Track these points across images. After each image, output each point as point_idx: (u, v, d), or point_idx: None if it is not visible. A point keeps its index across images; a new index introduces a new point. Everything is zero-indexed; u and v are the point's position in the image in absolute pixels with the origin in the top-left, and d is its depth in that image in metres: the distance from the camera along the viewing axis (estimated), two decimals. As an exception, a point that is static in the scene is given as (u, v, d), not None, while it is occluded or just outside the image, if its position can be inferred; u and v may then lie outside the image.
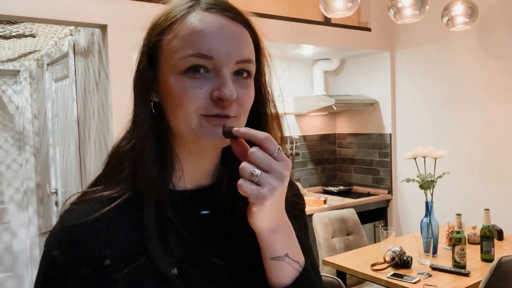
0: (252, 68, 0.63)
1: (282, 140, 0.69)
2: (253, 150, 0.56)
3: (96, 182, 0.65)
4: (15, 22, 2.48)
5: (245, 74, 0.62)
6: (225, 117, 0.59)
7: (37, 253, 4.13)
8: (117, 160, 0.64)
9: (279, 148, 0.57)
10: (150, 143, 0.61)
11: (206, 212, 0.65)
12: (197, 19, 0.60)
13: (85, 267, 0.58)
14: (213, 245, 0.64)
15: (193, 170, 0.65)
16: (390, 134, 3.86)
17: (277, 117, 0.68)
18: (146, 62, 0.62)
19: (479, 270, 2.20)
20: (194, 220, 0.64)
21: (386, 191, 3.89)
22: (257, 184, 0.55)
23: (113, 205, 0.60)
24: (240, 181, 0.56)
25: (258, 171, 0.55)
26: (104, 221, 0.60)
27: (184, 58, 0.58)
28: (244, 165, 0.56)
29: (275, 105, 0.68)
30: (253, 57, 0.63)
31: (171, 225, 0.61)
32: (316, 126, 4.20)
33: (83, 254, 0.58)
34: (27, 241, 4.10)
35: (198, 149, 0.64)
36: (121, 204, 0.61)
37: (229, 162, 0.66)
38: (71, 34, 2.92)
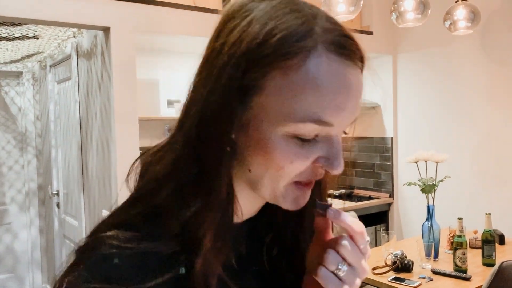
0: None
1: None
2: (345, 243, 0.51)
3: (126, 221, 0.50)
4: (18, 24, 2.49)
5: (345, 132, 0.53)
6: (310, 182, 0.52)
7: (38, 255, 4.14)
8: (163, 204, 0.50)
9: (368, 240, 0.52)
10: (220, 205, 0.49)
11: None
12: (325, 70, 0.45)
13: None
14: (254, 277, 0.58)
15: (247, 205, 0.55)
16: (392, 138, 3.86)
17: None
18: (237, 98, 0.46)
19: (480, 275, 2.20)
20: (238, 254, 0.56)
21: (388, 195, 3.89)
22: (340, 279, 0.50)
23: (167, 276, 0.47)
24: (322, 272, 0.50)
25: (345, 267, 0.50)
26: None
27: (299, 122, 0.46)
28: (331, 255, 0.50)
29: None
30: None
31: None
32: (318, 129, 4.20)
33: None
34: (28, 243, 4.10)
35: None
36: (172, 277, 0.48)
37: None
38: (74, 36, 2.94)
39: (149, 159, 0.54)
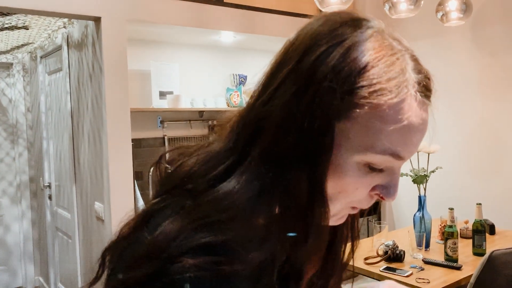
0: None
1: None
2: None
3: (183, 228, 0.45)
4: (7, 14, 2.46)
5: None
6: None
7: (30, 247, 4.13)
8: (253, 227, 0.48)
9: None
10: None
11: None
12: (412, 109, 0.48)
13: None
14: None
15: None
16: (384, 129, 3.87)
17: None
18: (332, 129, 0.46)
19: (470, 264, 2.23)
20: None
21: (380, 186, 3.91)
22: None
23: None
24: None
25: None
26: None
27: (379, 153, 0.47)
28: None
29: None
30: None
31: None
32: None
33: None
34: (20, 235, 4.09)
35: None
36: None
37: None
38: (64, 27, 2.90)
39: (195, 161, 0.51)
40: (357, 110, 0.46)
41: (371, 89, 0.46)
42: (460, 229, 2.60)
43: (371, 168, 0.49)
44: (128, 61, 2.55)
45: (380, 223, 2.55)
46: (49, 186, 3.59)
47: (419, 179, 2.44)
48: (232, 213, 0.46)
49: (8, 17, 2.52)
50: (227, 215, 0.46)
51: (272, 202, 0.48)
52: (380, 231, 2.52)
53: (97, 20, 2.49)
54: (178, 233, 0.44)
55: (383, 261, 2.26)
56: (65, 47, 3.00)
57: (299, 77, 0.48)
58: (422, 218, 2.48)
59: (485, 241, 2.35)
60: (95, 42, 2.55)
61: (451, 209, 2.31)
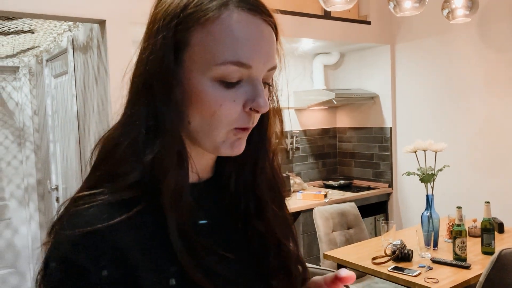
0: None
1: (282, 134, 0.69)
2: None
3: (92, 184, 0.57)
4: (13, 18, 2.47)
5: (268, 82, 0.61)
6: (246, 128, 0.60)
7: (39, 249, 4.14)
8: (120, 159, 0.57)
9: None
10: (176, 146, 0.56)
11: (204, 222, 0.63)
12: (236, 20, 0.55)
13: (114, 273, 0.52)
14: (227, 240, 0.64)
15: (198, 161, 0.62)
16: (391, 128, 3.85)
17: (278, 110, 0.68)
18: (172, 55, 0.55)
19: (479, 263, 2.21)
20: (206, 214, 0.63)
21: (387, 185, 3.89)
22: None
23: (131, 213, 0.54)
24: None
25: None
26: (126, 228, 0.54)
27: (221, 64, 0.55)
28: None
29: (277, 99, 0.68)
30: (276, 59, 0.61)
31: (191, 231, 0.57)
32: (317, 120, 4.20)
33: (110, 259, 0.52)
34: (28, 237, 4.11)
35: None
36: (139, 211, 0.55)
37: (231, 157, 0.65)
38: (69, 30, 2.91)
39: (103, 137, 0.61)
40: (192, 35, 0.55)
41: (195, 14, 0.55)
42: (469, 228, 2.58)
43: (226, 83, 0.56)
44: (133, 63, 2.55)
45: (387, 223, 2.54)
46: (57, 189, 3.60)
47: (427, 178, 2.42)
48: (109, 153, 0.58)
49: (14, 22, 2.54)
50: (104, 156, 0.59)
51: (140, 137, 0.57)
52: (387, 231, 2.50)
53: (101, 23, 2.50)
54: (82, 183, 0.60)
55: (391, 261, 2.24)
56: (70, 50, 3.01)
57: (147, 29, 0.59)
58: (430, 217, 2.46)
59: (494, 239, 2.33)
60: (100, 45, 2.56)
61: (459, 207, 2.30)
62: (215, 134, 0.58)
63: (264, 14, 0.58)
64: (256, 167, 0.67)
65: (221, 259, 0.60)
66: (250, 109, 0.57)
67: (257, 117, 0.60)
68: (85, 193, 0.56)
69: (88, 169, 0.61)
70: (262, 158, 0.67)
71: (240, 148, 0.60)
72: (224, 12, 0.55)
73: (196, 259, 0.56)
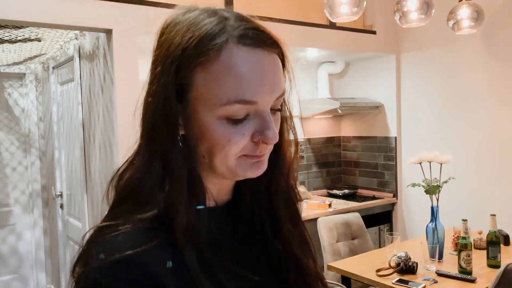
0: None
1: (297, 144, 0.70)
2: None
3: (112, 217, 0.59)
4: (20, 27, 2.49)
5: (278, 108, 0.61)
6: (254, 156, 0.60)
7: (42, 256, 4.15)
8: (135, 199, 0.59)
9: None
10: (183, 180, 0.58)
11: (224, 245, 0.63)
12: (236, 57, 0.55)
13: None
14: (248, 262, 0.65)
15: (215, 189, 0.64)
16: (396, 137, 3.84)
17: (290, 114, 0.68)
18: (174, 98, 0.56)
19: (485, 277, 2.19)
20: (225, 238, 0.64)
21: (391, 195, 3.88)
22: None
23: (155, 241, 0.56)
24: None
25: None
26: (153, 255, 0.55)
27: (225, 104, 0.55)
28: None
29: (288, 108, 0.68)
30: (285, 85, 0.61)
31: (212, 260, 0.59)
32: (321, 129, 4.19)
33: (143, 286, 0.54)
34: (32, 244, 4.11)
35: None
36: (161, 242, 0.57)
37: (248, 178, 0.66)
38: (76, 38, 2.93)
39: (121, 171, 0.62)
40: (194, 76, 0.56)
41: (195, 56, 0.55)
42: (474, 240, 2.56)
43: (233, 120, 0.56)
44: (139, 73, 2.56)
45: (392, 234, 2.52)
46: (61, 195, 3.61)
47: (432, 189, 2.41)
48: (129, 192, 0.60)
49: (21, 30, 2.56)
50: (124, 195, 0.60)
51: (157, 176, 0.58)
52: (392, 242, 2.48)
53: (108, 32, 2.51)
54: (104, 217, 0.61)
55: (396, 273, 2.23)
56: (76, 58, 3.03)
57: (151, 71, 0.60)
58: (435, 229, 2.44)
59: (499, 252, 2.31)
60: (106, 54, 2.57)
61: (465, 220, 2.28)
62: (228, 163, 0.59)
63: (266, 44, 0.57)
64: (271, 185, 0.67)
65: (245, 282, 0.61)
66: (259, 140, 0.58)
67: (265, 147, 0.60)
68: (109, 223, 0.57)
69: (106, 201, 0.63)
70: (277, 175, 0.67)
71: (259, 169, 0.61)
72: (224, 51, 0.55)
73: (219, 286, 0.57)
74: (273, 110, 0.60)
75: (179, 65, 0.56)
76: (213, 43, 0.55)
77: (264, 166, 0.61)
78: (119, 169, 0.63)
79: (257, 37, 0.56)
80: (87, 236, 0.58)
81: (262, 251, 0.67)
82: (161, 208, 0.57)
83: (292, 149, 0.69)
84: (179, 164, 0.58)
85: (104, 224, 0.58)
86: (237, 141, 0.57)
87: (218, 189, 0.65)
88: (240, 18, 0.58)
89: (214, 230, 0.61)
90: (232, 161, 0.59)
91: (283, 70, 0.62)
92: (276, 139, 0.58)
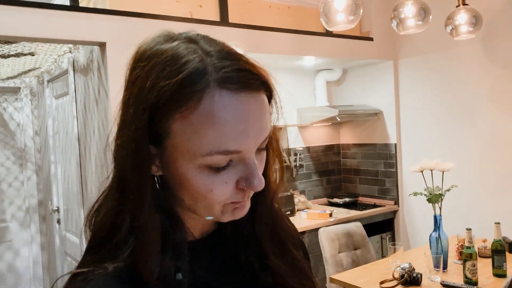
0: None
1: (281, 163, 0.65)
2: None
3: (85, 263, 0.57)
4: (13, 42, 2.45)
5: (263, 147, 0.57)
6: (242, 201, 0.57)
7: (40, 272, 4.09)
8: (104, 249, 0.56)
9: None
10: (151, 236, 0.54)
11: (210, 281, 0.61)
12: (219, 105, 0.49)
13: None
14: None
15: (194, 223, 0.61)
16: (395, 144, 3.80)
17: (276, 140, 0.64)
18: (147, 147, 0.52)
19: (491, 286, 2.14)
20: (209, 273, 0.61)
21: (393, 202, 3.83)
22: None
23: None
24: None
25: None
26: None
27: (206, 155, 0.50)
28: None
29: (275, 135, 0.63)
30: (271, 122, 0.57)
31: None
32: (320, 137, 4.15)
33: None
34: (29, 260, 4.05)
35: None
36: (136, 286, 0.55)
37: None
38: (70, 52, 2.90)
39: (96, 207, 0.59)
40: (171, 125, 0.50)
41: (172, 104, 0.49)
42: (478, 248, 2.52)
43: (214, 168, 0.52)
44: (133, 85, 2.52)
45: (394, 244, 2.47)
46: (58, 210, 3.56)
47: (434, 198, 2.36)
48: (100, 242, 0.57)
49: (14, 45, 2.53)
50: (96, 241, 0.58)
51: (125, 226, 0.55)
52: (395, 252, 2.43)
53: (102, 45, 2.48)
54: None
55: (400, 285, 2.17)
56: (71, 72, 3.00)
57: (122, 108, 0.55)
58: (438, 238, 2.39)
59: (505, 261, 2.26)
60: (101, 67, 2.54)
61: (469, 229, 2.23)
62: (211, 210, 0.55)
63: (252, 88, 0.51)
64: (254, 216, 0.63)
65: None
66: (244, 187, 0.54)
67: (252, 192, 0.56)
68: (81, 270, 0.55)
69: (84, 236, 0.61)
70: (261, 206, 0.63)
71: (242, 212, 0.57)
72: (205, 98, 0.49)
73: None
74: (258, 150, 0.55)
75: (154, 113, 0.50)
76: (193, 89, 0.49)
77: (247, 208, 0.58)
78: (94, 204, 0.60)
79: (242, 80, 0.50)
80: (63, 283, 0.57)
81: (251, 284, 0.63)
82: (129, 261, 0.54)
83: (277, 176, 0.65)
84: (147, 219, 0.53)
85: (76, 271, 0.55)
86: (220, 191, 0.53)
87: (198, 223, 0.61)
88: (224, 55, 0.51)
89: (196, 266, 0.58)
90: (216, 209, 0.55)
91: (270, 103, 0.57)
92: (262, 186, 0.54)
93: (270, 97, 0.56)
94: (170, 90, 0.49)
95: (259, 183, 0.53)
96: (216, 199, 0.54)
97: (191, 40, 0.53)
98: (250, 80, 0.51)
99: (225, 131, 0.49)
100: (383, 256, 3.62)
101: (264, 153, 0.58)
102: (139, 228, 0.54)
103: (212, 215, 0.56)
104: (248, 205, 0.58)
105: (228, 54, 0.52)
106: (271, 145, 0.61)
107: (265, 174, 0.62)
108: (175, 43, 0.52)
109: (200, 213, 0.57)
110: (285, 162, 0.71)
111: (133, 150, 0.51)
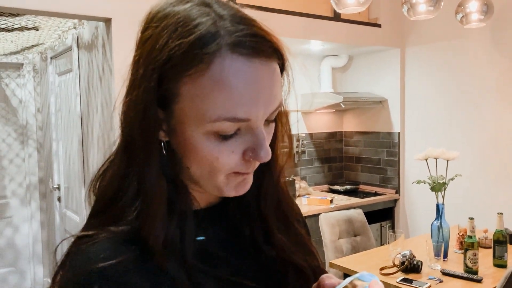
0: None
1: (290, 138, 0.64)
2: None
3: (89, 227, 0.56)
4: (17, 15, 2.42)
5: (272, 119, 0.55)
6: (246, 173, 0.56)
7: (40, 249, 4.10)
8: (110, 214, 0.55)
9: None
10: (158, 198, 0.53)
11: (201, 238, 0.59)
12: (229, 70, 0.48)
13: None
14: (241, 269, 0.61)
15: (199, 194, 0.60)
16: (399, 133, 3.78)
17: (286, 114, 0.63)
18: (155, 108, 0.51)
19: (491, 276, 2.14)
20: (213, 244, 0.60)
21: (394, 191, 3.82)
22: None
23: (132, 254, 0.53)
24: None
25: None
26: (129, 267, 0.52)
27: (214, 121, 0.49)
28: None
29: (285, 109, 0.62)
30: (281, 95, 0.56)
31: (200, 270, 0.55)
32: (323, 123, 4.13)
33: None
34: (29, 237, 4.06)
35: None
36: (139, 254, 0.54)
37: None
38: (74, 28, 2.86)
39: (102, 172, 0.58)
40: (181, 88, 0.49)
41: (183, 66, 0.48)
42: (479, 238, 2.51)
43: (221, 136, 0.51)
44: (138, 63, 2.49)
45: (395, 232, 2.47)
46: (58, 188, 3.55)
47: (438, 187, 2.35)
48: (104, 206, 0.56)
49: (18, 18, 2.49)
50: (101, 205, 0.57)
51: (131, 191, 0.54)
52: (395, 240, 2.43)
53: (107, 21, 2.44)
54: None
55: (400, 272, 2.17)
56: (75, 48, 2.96)
57: (132, 69, 0.53)
58: (440, 227, 2.39)
59: (506, 252, 2.26)
60: (105, 44, 2.50)
61: (471, 218, 2.23)
62: (215, 180, 0.54)
63: (265, 54, 0.50)
64: (260, 191, 0.63)
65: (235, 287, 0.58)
66: (250, 158, 0.53)
67: (256, 164, 0.56)
68: (86, 233, 0.55)
69: (87, 204, 0.61)
70: (267, 181, 0.63)
71: (245, 188, 0.57)
72: (216, 61, 0.48)
73: None
74: (267, 121, 0.54)
75: (163, 75, 0.49)
76: (204, 51, 0.47)
77: (249, 184, 0.57)
78: (100, 169, 0.59)
79: (255, 46, 0.49)
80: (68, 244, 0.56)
81: (255, 257, 0.63)
82: (135, 224, 0.53)
83: (285, 154, 0.64)
84: (153, 183, 0.53)
85: (81, 234, 0.55)
86: (226, 159, 0.52)
87: (203, 194, 0.60)
88: (238, 19, 0.50)
89: (200, 235, 0.58)
90: (220, 179, 0.54)
91: (282, 74, 0.55)
92: (269, 157, 0.52)
93: (282, 68, 0.55)
94: (181, 51, 0.48)
95: (266, 155, 0.52)
96: (221, 168, 0.53)
97: (204, 3, 0.51)
98: (263, 46, 0.50)
99: (234, 97, 0.48)
100: (381, 244, 3.62)
101: (273, 126, 0.57)
102: (146, 190, 0.53)
103: (216, 185, 0.55)
104: (250, 180, 0.57)
105: (241, 19, 0.50)
106: (280, 120, 0.60)
107: (273, 148, 0.61)
108: (188, 5, 0.51)
109: (204, 183, 0.56)
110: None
111: (141, 111, 0.50)
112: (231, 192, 0.56)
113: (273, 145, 0.59)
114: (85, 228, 0.56)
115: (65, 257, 0.54)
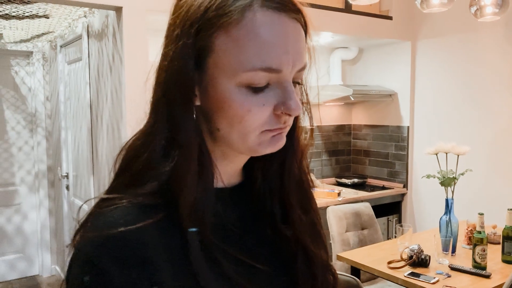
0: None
1: (312, 132, 0.67)
2: None
3: (115, 191, 0.56)
4: (28, 2, 2.42)
5: (298, 81, 0.57)
6: (278, 129, 0.56)
7: (48, 236, 4.14)
8: (139, 170, 0.55)
9: None
10: (194, 158, 0.54)
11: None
12: (261, 22, 0.51)
13: (136, 278, 0.50)
14: (254, 249, 0.62)
15: (224, 170, 0.61)
16: (408, 127, 3.76)
17: (308, 108, 0.66)
18: (192, 63, 0.53)
19: (500, 272, 2.13)
20: (232, 222, 0.61)
21: (402, 185, 3.81)
22: None
23: (154, 219, 0.53)
24: None
25: None
26: (149, 233, 0.52)
27: (248, 71, 0.51)
28: None
29: (307, 96, 0.65)
30: (306, 57, 0.57)
31: (215, 244, 0.56)
32: (332, 116, 4.11)
33: (133, 264, 0.50)
34: (37, 224, 4.10)
35: (234, 152, 0.60)
36: (161, 218, 0.54)
37: (259, 160, 0.63)
38: (85, 16, 2.86)
39: (129, 143, 0.59)
40: (215, 40, 0.52)
41: (217, 18, 0.51)
42: (488, 234, 2.50)
43: (255, 88, 0.52)
44: (149, 53, 2.49)
45: (402, 226, 2.46)
46: (67, 176, 3.58)
47: (447, 181, 2.34)
48: (130, 162, 0.56)
49: (29, 6, 2.49)
50: (126, 164, 0.57)
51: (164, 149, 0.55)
52: (403, 234, 2.42)
53: (118, 9, 2.44)
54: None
55: (408, 266, 2.17)
56: (85, 37, 2.96)
57: (167, 34, 0.55)
58: (449, 222, 2.38)
59: (515, 248, 2.25)
60: (116, 32, 2.50)
61: (481, 214, 2.21)
62: (247, 138, 0.55)
63: (291, 11, 0.53)
64: (283, 169, 0.64)
65: (249, 271, 0.58)
66: (281, 112, 0.54)
67: (289, 118, 0.56)
68: (110, 195, 0.55)
69: (112, 175, 0.59)
70: (290, 159, 0.64)
71: (280, 142, 0.57)
72: (247, 14, 0.51)
73: (219, 273, 0.54)
74: (294, 82, 0.56)
75: (200, 28, 0.52)
76: (237, 4, 0.51)
77: (283, 140, 0.58)
78: (128, 140, 0.59)
79: (283, 2, 0.53)
80: (90, 205, 0.56)
81: (270, 237, 0.64)
82: (163, 179, 0.54)
83: (307, 135, 0.66)
84: (191, 134, 0.54)
85: (105, 196, 0.55)
86: (258, 113, 0.53)
87: (227, 170, 0.61)
88: None
89: (221, 212, 0.58)
90: (252, 137, 0.55)
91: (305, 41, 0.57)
92: (300, 110, 0.54)
93: (305, 33, 0.57)
94: (215, 3, 0.51)
95: (297, 107, 0.54)
96: (252, 123, 0.54)
97: None
98: (289, 4, 0.53)
99: (266, 47, 0.51)
100: (388, 238, 3.62)
101: (299, 89, 0.59)
102: (182, 139, 0.54)
103: (248, 145, 0.55)
104: (284, 139, 0.58)
105: None
106: (301, 100, 0.61)
107: (294, 130, 0.63)
108: None
109: (235, 143, 0.56)
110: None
111: (179, 67, 0.52)
112: (266, 149, 0.57)
113: (294, 125, 0.61)
114: (110, 189, 0.57)
115: (87, 217, 0.55)
